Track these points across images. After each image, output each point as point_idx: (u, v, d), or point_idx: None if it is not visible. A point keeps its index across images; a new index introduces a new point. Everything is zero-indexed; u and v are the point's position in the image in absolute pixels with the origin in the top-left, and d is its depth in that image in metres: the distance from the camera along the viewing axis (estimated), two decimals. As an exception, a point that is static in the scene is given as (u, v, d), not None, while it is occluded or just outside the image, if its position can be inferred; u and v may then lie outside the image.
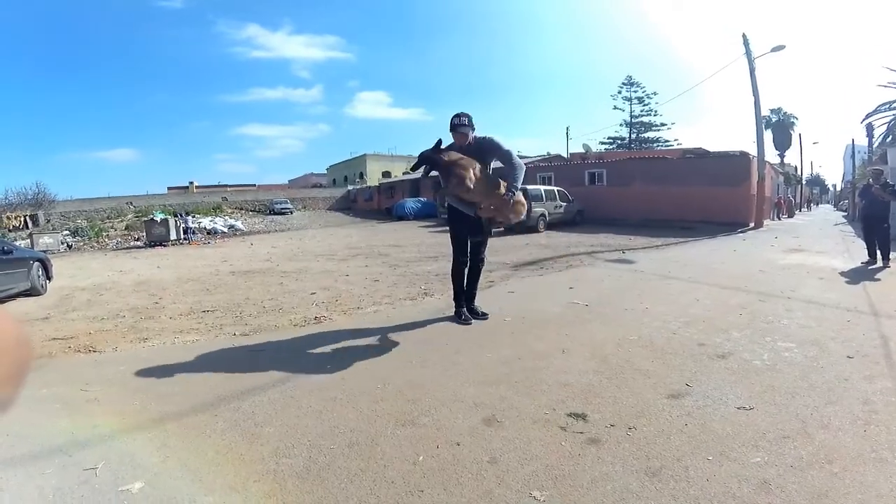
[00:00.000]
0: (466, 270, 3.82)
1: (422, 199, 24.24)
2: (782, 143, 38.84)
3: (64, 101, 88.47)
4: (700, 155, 16.40)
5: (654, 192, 14.66)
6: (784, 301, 4.24)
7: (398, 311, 4.34)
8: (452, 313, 3.88)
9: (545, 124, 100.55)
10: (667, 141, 41.21)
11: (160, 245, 14.78)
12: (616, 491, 1.53)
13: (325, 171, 53.94)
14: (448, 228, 3.88)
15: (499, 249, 9.65)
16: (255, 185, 44.19)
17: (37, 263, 6.67)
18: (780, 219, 20.66)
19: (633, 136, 42.66)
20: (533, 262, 7.40)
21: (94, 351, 3.44)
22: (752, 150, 14.57)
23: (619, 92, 42.60)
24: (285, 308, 4.69)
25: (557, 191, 14.59)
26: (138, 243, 16.67)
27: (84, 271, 9.45)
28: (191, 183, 42.97)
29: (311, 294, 5.40)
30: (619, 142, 42.43)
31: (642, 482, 1.57)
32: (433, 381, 2.56)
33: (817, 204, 50.12)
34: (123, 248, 15.85)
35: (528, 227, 12.84)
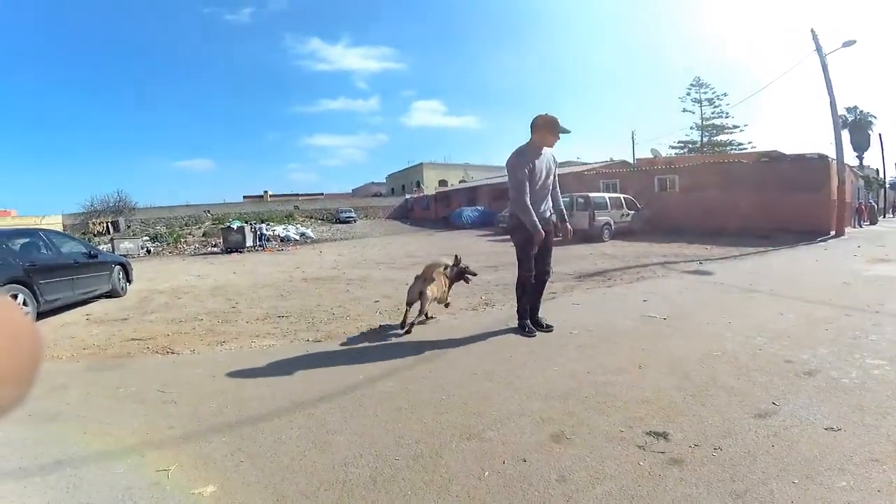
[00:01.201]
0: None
1: (479, 207, 24.24)
2: (860, 145, 35.58)
3: (144, 114, 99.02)
4: (776, 159, 15.09)
5: (728, 199, 13.53)
6: (871, 315, 3.78)
7: (459, 322, 4.32)
8: (515, 324, 3.79)
9: (607, 130, 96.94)
10: (740, 144, 38.50)
11: (236, 251, 15.46)
12: None
13: (385, 180, 55.64)
14: (511, 238, 3.75)
15: (559, 260, 9.27)
16: (322, 194, 46.53)
17: (118, 267, 7.04)
18: (861, 226, 18.82)
19: (705, 139, 40.00)
20: (599, 272, 7.05)
21: (172, 352, 3.68)
22: (830, 152, 13.00)
23: (688, 94, 40.39)
24: (352, 315, 4.85)
25: (624, 198, 13.78)
26: (215, 249, 17.55)
27: (163, 275, 9.96)
28: (265, 192, 45.74)
29: (375, 302, 5.55)
30: (689, 146, 40.04)
31: None
32: (498, 394, 2.50)
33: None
34: (201, 254, 16.87)
35: (590, 237, 12.33)
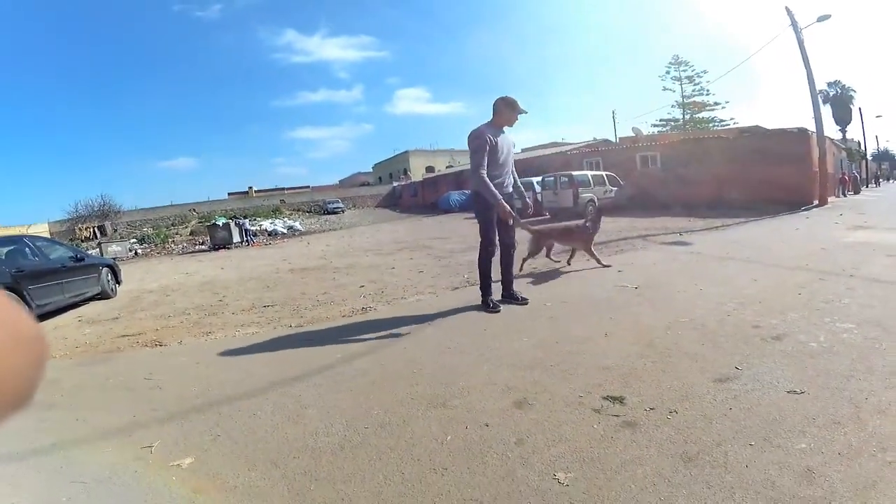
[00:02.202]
0: (496, 259, 3.82)
1: (465, 191, 24.17)
2: (842, 118, 36.52)
3: (121, 115, 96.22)
4: (757, 133, 15.32)
5: (712, 173, 13.92)
6: (846, 280, 3.84)
7: (440, 300, 4.40)
8: (499, 298, 3.87)
9: (589, 111, 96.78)
10: (723, 120, 38.38)
11: (224, 248, 15.48)
12: (646, 475, 1.47)
13: (371, 170, 55.38)
14: (476, 216, 3.85)
15: (545, 236, 9.46)
16: (309, 187, 46.17)
17: (106, 269, 7.09)
18: (846, 196, 19.70)
19: (687, 116, 40.00)
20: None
21: (161, 345, 3.78)
22: (812, 127, 13.26)
23: (668, 72, 39.87)
24: (336, 300, 4.91)
25: (607, 175, 14.00)
26: (203, 247, 17.52)
27: (151, 275, 10.05)
28: (250, 188, 45.35)
29: (360, 287, 5.61)
30: (672, 123, 40.01)
31: (676, 467, 1.50)
32: (467, 366, 2.59)
33: (888, 179, 44.28)
34: (189, 253, 16.80)
35: (575, 214, 12.43)
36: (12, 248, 5.69)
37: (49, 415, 2.41)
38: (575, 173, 13.26)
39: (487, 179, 3.57)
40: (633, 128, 22.29)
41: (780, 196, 12.00)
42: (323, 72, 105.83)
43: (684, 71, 39.31)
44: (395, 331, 3.44)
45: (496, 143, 3.61)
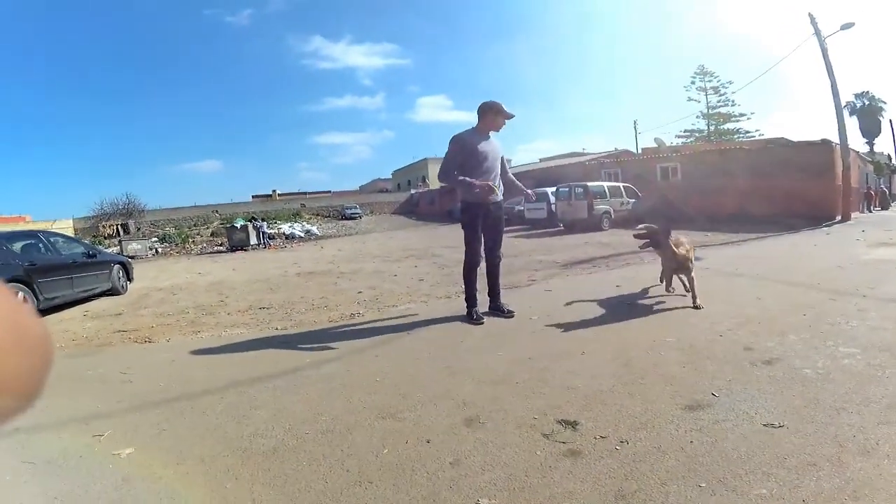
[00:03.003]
0: (483, 269, 3.76)
1: None
2: (870, 131, 34.63)
3: (149, 117, 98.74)
4: (779, 145, 14.84)
5: (733, 186, 13.49)
6: (858, 300, 3.53)
7: (430, 309, 4.33)
8: (486, 310, 3.78)
9: (611, 120, 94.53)
10: (748, 132, 37.96)
11: (241, 249, 15.79)
12: None
13: (391, 176, 55.81)
14: (463, 223, 3.76)
15: (553, 249, 9.27)
16: (329, 192, 46.90)
17: (118, 266, 7.24)
18: (871, 211, 18.51)
19: (712, 128, 39.61)
20: (586, 260, 6.95)
21: (150, 341, 3.87)
22: (837, 139, 12.65)
23: (693, 82, 39.77)
24: (330, 305, 4.92)
25: (624, 187, 13.69)
26: (221, 248, 17.80)
27: (166, 273, 10.22)
28: (273, 191, 46.52)
29: (358, 293, 5.60)
30: (696, 134, 39.72)
31: None
32: (432, 378, 2.51)
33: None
34: (207, 253, 17.15)
35: (591, 226, 12.16)
36: (27, 242, 5.93)
37: None
38: (590, 184, 12.99)
39: (453, 175, 3.54)
40: (655, 138, 21.84)
41: (803, 210, 11.52)
42: (348, 78, 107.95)
43: (709, 81, 39.15)
44: (373, 338, 3.39)
45: (477, 148, 3.55)
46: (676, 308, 3.65)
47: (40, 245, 6.02)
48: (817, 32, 12.19)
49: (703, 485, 1.42)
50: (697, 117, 39.38)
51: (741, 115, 38.25)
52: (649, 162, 16.91)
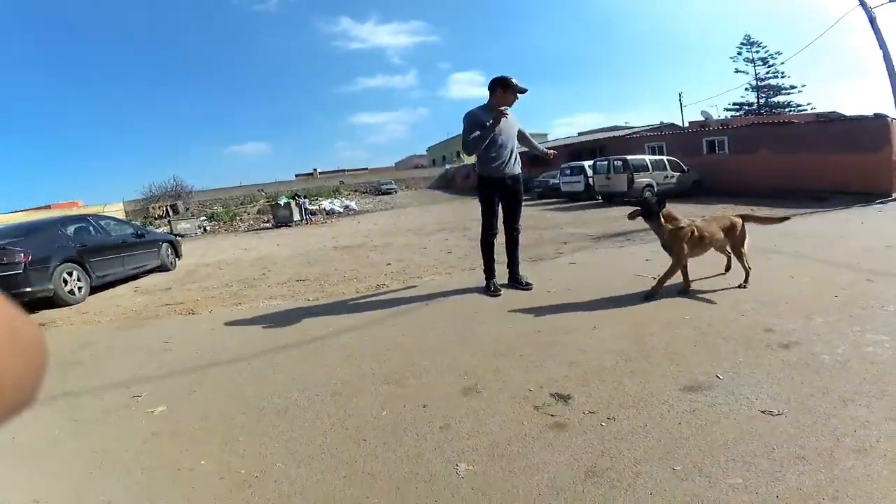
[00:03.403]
0: (500, 241, 3.77)
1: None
2: None
3: (195, 103, 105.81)
4: (831, 119, 13.37)
5: (782, 160, 12.48)
6: None
7: (453, 280, 4.43)
8: (506, 282, 3.83)
9: (656, 93, 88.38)
10: (799, 105, 35.90)
11: (285, 226, 16.26)
12: (540, 484, 1.40)
13: (426, 153, 55.96)
14: (480, 197, 3.79)
15: (589, 221, 8.99)
16: (366, 169, 48.10)
17: (166, 244, 7.51)
18: None
19: (762, 100, 37.62)
20: (620, 233, 6.70)
21: (193, 313, 4.13)
22: (893, 113, 11.32)
23: (739, 53, 37.84)
24: (360, 277, 5.12)
25: (668, 160, 12.88)
26: (267, 225, 18.39)
27: (213, 250, 10.48)
28: (314, 170, 48.20)
29: (387, 265, 5.78)
30: (746, 108, 37.75)
31: (574, 480, 1.40)
32: (439, 348, 2.62)
33: None
34: (253, 230, 17.73)
35: (632, 199, 11.64)
36: (78, 225, 6.28)
37: (74, 369, 2.88)
38: (630, 157, 12.31)
39: (473, 138, 3.53)
40: (702, 111, 20.18)
41: (855, 187, 10.57)
42: (378, 58, 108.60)
43: (757, 52, 37.08)
44: (393, 308, 3.54)
45: (487, 123, 3.50)
46: (703, 286, 3.51)
47: (90, 228, 6.40)
48: (863, 4, 11.02)
49: (678, 468, 1.42)
50: (746, 90, 37.59)
51: (792, 87, 36.43)
52: (695, 136, 15.77)
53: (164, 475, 1.62)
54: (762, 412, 1.70)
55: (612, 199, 12.26)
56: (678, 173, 12.72)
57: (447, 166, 39.49)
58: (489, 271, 3.76)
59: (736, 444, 1.52)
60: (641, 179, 11.70)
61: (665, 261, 3.44)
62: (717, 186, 13.00)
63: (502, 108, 3.51)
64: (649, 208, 3.37)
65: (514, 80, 3.53)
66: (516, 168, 3.69)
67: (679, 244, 3.27)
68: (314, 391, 2.16)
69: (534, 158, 4.73)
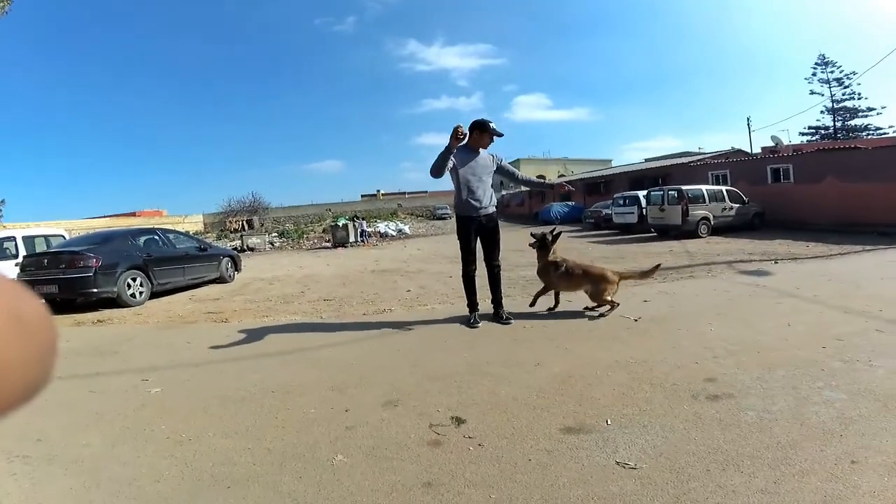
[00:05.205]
0: (481, 276, 4.01)
1: (570, 203, 23.17)
2: None
3: (274, 121, 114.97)
4: None
5: (849, 190, 11.15)
6: None
7: (451, 309, 4.65)
8: (492, 314, 4.05)
9: (729, 117, 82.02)
10: (879, 128, 33.30)
11: (342, 246, 16.92)
12: (386, 483, 1.69)
13: None
14: (457, 234, 4.07)
15: (624, 255, 8.75)
16: (426, 192, 49.29)
17: (227, 259, 8.29)
18: None
19: (838, 124, 34.96)
20: (648, 271, 6.56)
21: (225, 322, 4.80)
22: None
23: (814, 73, 35.61)
24: (375, 301, 5.57)
25: (727, 191, 11.95)
26: (327, 245, 18.80)
27: (272, 266, 11.26)
28: (377, 191, 50.52)
29: (406, 291, 6.20)
30: (822, 132, 35.23)
31: (411, 487, 1.65)
32: (391, 367, 2.98)
33: None
34: (314, 249, 18.30)
35: (686, 233, 11.04)
36: (148, 237, 7.33)
37: (111, 357, 3.70)
38: (686, 187, 11.68)
39: (435, 163, 3.67)
40: (771, 137, 18.39)
41: None
42: (443, 80, 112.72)
43: (832, 72, 34.68)
44: (378, 331, 3.96)
45: (458, 161, 3.74)
46: (680, 330, 3.46)
47: (158, 240, 7.35)
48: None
49: (493, 496, 1.57)
50: (822, 112, 35.15)
51: (870, 109, 33.59)
52: (760, 163, 14.51)
53: (134, 433, 2.22)
54: (617, 463, 1.72)
55: (666, 232, 11.73)
56: (737, 205, 11.83)
57: (503, 192, 39.73)
58: (471, 304, 4.02)
59: (567, 488, 1.59)
60: (697, 212, 11.07)
61: (661, 302, 3.80)
62: (780, 218, 11.92)
63: (475, 145, 3.80)
64: (543, 243, 4.26)
65: (491, 124, 3.81)
66: (490, 207, 3.95)
67: (547, 274, 4.20)
68: (272, 389, 2.66)
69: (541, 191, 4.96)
